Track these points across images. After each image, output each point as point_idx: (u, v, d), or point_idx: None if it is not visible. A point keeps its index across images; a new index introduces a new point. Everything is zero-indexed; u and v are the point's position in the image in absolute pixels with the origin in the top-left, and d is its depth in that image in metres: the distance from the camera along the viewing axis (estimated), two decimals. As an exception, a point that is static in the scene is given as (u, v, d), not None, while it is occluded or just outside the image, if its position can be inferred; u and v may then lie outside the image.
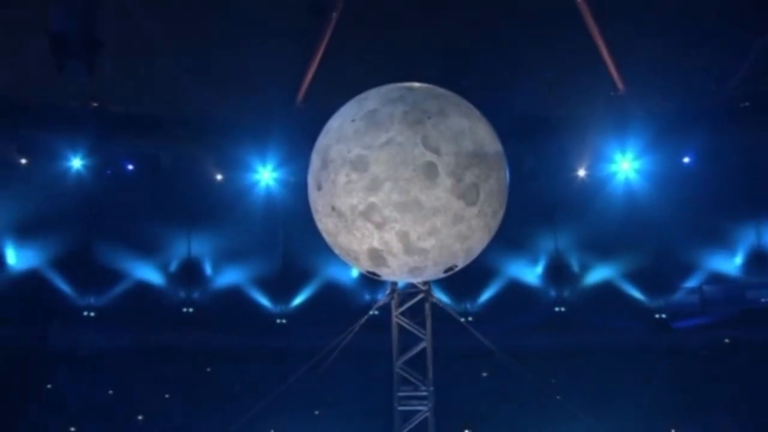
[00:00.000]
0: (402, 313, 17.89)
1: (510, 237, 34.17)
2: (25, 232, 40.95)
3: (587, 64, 32.39)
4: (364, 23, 29.68)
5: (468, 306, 39.54)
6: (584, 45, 31.39)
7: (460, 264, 16.33)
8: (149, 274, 43.13)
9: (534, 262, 42.43)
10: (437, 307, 18.35)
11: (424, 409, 17.80)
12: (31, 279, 41.72)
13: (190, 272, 43.33)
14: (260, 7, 30.26)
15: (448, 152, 15.15)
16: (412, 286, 18.10)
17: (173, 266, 43.30)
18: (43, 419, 38.69)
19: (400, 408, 17.83)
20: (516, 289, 42.10)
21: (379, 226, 15.30)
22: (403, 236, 15.37)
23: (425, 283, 17.27)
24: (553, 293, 42.53)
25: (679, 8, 30.17)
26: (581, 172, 39.35)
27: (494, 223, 16.13)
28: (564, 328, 41.32)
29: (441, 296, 18.41)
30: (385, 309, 19.15)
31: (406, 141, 15.01)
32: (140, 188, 40.62)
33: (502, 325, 36.11)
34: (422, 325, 17.85)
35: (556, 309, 42.28)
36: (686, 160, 39.04)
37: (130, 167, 40.47)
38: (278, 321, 43.37)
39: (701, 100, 36.70)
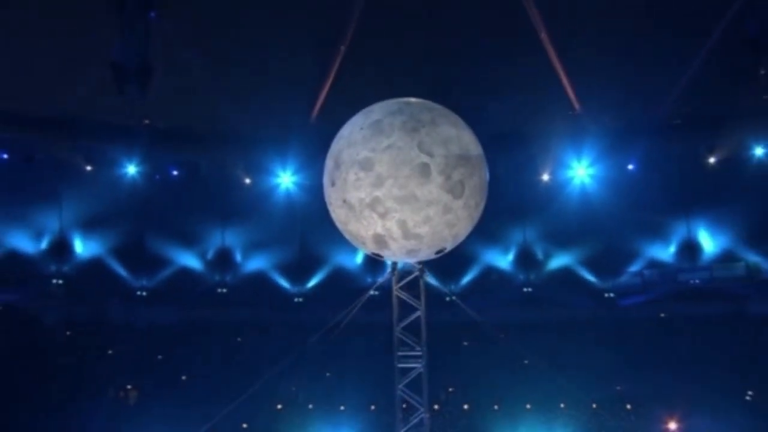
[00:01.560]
0: (401, 288, 17.93)
1: (486, 230, 34.18)
2: (89, 226, 41.23)
3: (550, 88, 32.57)
4: (369, 52, 29.77)
5: (452, 287, 39.70)
6: (548, 72, 31.56)
7: (449, 247, 16.39)
8: (190, 260, 43.24)
9: (506, 251, 42.59)
10: (428, 286, 18.39)
11: (418, 366, 17.83)
12: (94, 265, 41.97)
13: (223, 259, 43.47)
14: (281, 38, 30.43)
15: (439, 155, 15.21)
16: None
17: (210, 254, 43.45)
18: (106, 378, 38.81)
19: (400, 365, 17.88)
20: (491, 273, 42.45)
21: (382, 216, 15.34)
22: (402, 224, 15.42)
23: (420, 263, 17.31)
24: (521, 276, 42.74)
25: (625, 41, 30.35)
26: (545, 177, 39.50)
27: (476, 214, 16.17)
28: (531, 304, 41.64)
29: (431, 279, 18.32)
30: (386, 286, 19.17)
31: (405, 146, 15.07)
32: (183, 190, 40.88)
33: (480, 302, 36.09)
34: (417, 297, 17.89)
35: (524, 289, 42.50)
36: (630, 167, 39.21)
37: (175, 173, 40.77)
38: (296, 299, 43.61)
39: (642, 118, 36.96)
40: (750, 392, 37.32)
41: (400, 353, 17.97)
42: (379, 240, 15.90)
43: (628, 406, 36.91)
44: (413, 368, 17.95)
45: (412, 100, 16.17)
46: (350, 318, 20.11)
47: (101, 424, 33.99)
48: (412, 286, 17.94)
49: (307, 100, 33.55)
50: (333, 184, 15.94)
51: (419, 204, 15.25)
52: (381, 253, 16.40)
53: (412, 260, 17.05)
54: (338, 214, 16.30)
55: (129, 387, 39.10)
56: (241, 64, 32.69)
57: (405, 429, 18.09)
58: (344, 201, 15.82)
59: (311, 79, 32.73)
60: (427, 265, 17.82)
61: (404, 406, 18.37)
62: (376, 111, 15.89)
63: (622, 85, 33.01)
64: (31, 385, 36.93)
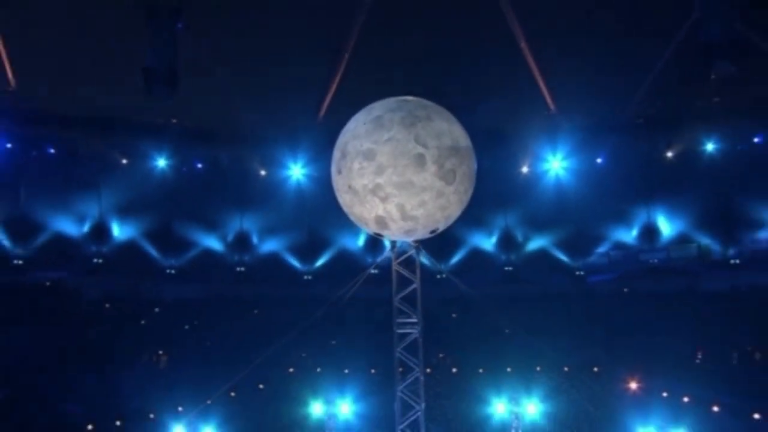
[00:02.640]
0: (399, 264, 17.84)
1: (473, 216, 34.33)
2: (125, 212, 41.36)
3: (528, 91, 32.58)
4: (369, 59, 29.69)
5: (443, 266, 39.66)
6: (527, 77, 31.57)
7: (441, 227, 16.33)
8: (213, 243, 43.24)
9: (490, 234, 42.59)
10: (422, 264, 18.29)
11: (414, 332, 17.77)
12: (129, 246, 42.09)
13: (241, 242, 43.48)
14: (292, 47, 30.34)
15: (433, 146, 15.14)
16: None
17: (230, 237, 43.43)
18: (140, 345, 38.81)
19: (398, 331, 17.80)
20: (477, 254, 42.40)
21: (383, 200, 15.29)
22: (401, 207, 15.37)
23: (416, 241, 17.21)
24: (503, 257, 42.78)
25: (594, 50, 30.27)
26: (524, 169, 39.52)
27: (466, 198, 16.11)
28: (511, 281, 41.70)
29: (424, 258, 18.23)
30: (385, 265, 19.13)
31: (403, 138, 15.01)
32: (206, 181, 41.01)
33: (467, 279, 36.02)
34: (413, 272, 17.81)
35: (506, 268, 42.55)
36: (599, 160, 39.27)
37: (199, 166, 40.84)
38: (305, 277, 43.61)
39: (610, 118, 36.98)
40: (700, 356, 37.41)
41: (398, 320, 17.92)
42: (380, 221, 15.86)
43: (595, 369, 36.93)
44: (410, 333, 17.91)
45: (409, 98, 16.09)
46: (353, 292, 20.06)
47: (136, 384, 34.01)
48: (409, 263, 17.86)
49: (315, 101, 33.54)
50: (339, 172, 15.89)
51: (415, 189, 15.21)
52: (382, 232, 16.35)
53: (409, 239, 16.98)
54: (344, 199, 16.25)
55: (160, 353, 39.11)
56: (257, 70, 32.64)
57: (402, 386, 18.02)
58: (349, 187, 15.77)
59: (318, 83, 32.70)
60: (422, 244, 17.73)
61: (401, 369, 18.27)
62: (378, 108, 15.83)
63: (592, 88, 32.98)
64: (75, 351, 36.98)
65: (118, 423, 32.47)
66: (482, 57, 30.02)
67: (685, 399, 33.27)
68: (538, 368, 34.82)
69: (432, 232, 16.42)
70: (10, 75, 32.49)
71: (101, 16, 29.85)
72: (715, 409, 32.94)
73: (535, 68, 31.00)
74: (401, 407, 18.24)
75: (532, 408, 25.73)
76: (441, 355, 39.49)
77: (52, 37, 30.85)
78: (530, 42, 29.61)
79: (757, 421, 32.71)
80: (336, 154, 16.14)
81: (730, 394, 33.73)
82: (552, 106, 34.11)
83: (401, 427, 18.24)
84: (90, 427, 33.43)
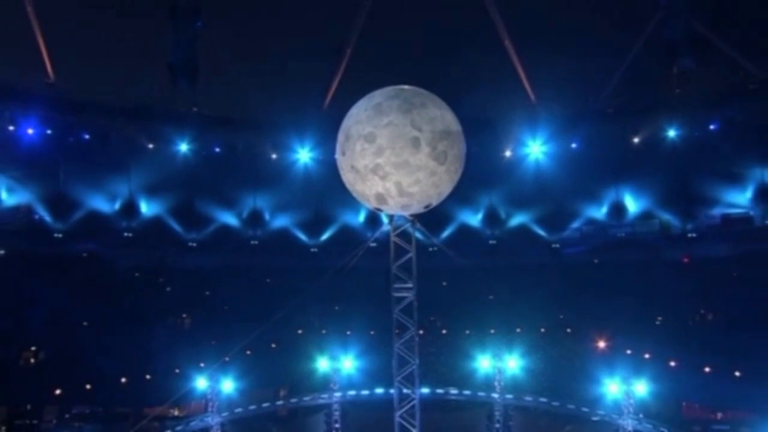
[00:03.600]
0: (396, 235, 17.77)
1: (461, 195, 34.12)
2: (152, 191, 41.12)
3: (511, 83, 32.62)
4: (370, 54, 29.61)
5: (435, 239, 39.55)
6: (509, 71, 31.57)
7: (434, 203, 16.19)
8: (229, 219, 43.01)
9: (476, 211, 42.38)
10: (417, 238, 18.22)
11: (409, 296, 17.73)
12: (155, 222, 41.85)
13: (255, 218, 43.21)
14: (300, 44, 30.24)
15: (427, 130, 14.99)
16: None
17: (244, 214, 43.13)
18: (165, 310, 38.90)
19: (395, 295, 17.76)
20: (464, 229, 42.14)
21: (382, 178, 15.16)
22: (398, 184, 15.24)
23: (412, 215, 17.12)
24: (488, 231, 42.53)
25: (569, 47, 30.21)
26: (507, 153, 39.29)
27: (456, 177, 15.95)
28: (495, 253, 41.37)
29: (418, 233, 18.14)
30: (382, 238, 19.08)
31: (400, 123, 14.85)
32: (224, 163, 40.67)
33: (456, 251, 36.03)
34: (409, 243, 17.74)
35: (490, 242, 42.29)
36: (574, 145, 39.03)
37: (217, 150, 40.54)
38: (312, 249, 43.28)
39: (584, 108, 36.96)
40: (659, 318, 37.57)
41: (395, 286, 17.86)
42: (380, 197, 15.73)
43: (568, 330, 37.14)
44: (406, 297, 17.86)
45: (406, 87, 15.92)
46: (354, 262, 20.02)
47: (163, 343, 34.07)
48: (405, 235, 17.77)
49: (320, 92, 33.51)
50: (343, 153, 15.75)
51: (411, 169, 15.07)
52: (381, 207, 16.22)
53: (405, 213, 16.89)
54: (347, 177, 16.11)
55: (184, 315, 39.31)
56: (269, 64, 32.64)
57: (399, 343, 18.01)
58: (352, 167, 15.63)
59: (323, 76, 32.68)
60: (417, 218, 17.65)
61: (397, 331, 18.25)
62: (377, 96, 15.66)
63: (568, 81, 33.04)
64: (109, 315, 37.03)
65: (148, 377, 32.61)
66: (471, 53, 30.11)
67: (646, 355, 33.46)
68: (518, 329, 34.96)
69: (426, 207, 16.32)
70: (49, 69, 32.51)
71: (129, 16, 29.85)
72: (672, 363, 33.21)
73: (518, 63, 31.17)
74: (398, 362, 18.27)
75: (513, 363, 25.85)
76: (432, 319, 39.62)
77: (86, 36, 30.81)
78: (513, 40, 29.67)
79: (708, 373, 33.08)
80: (340, 137, 16.02)
81: (686, 351, 33.95)
82: (532, 97, 34.40)
83: (398, 379, 18.26)
84: (123, 380, 33.61)
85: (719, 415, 31.88)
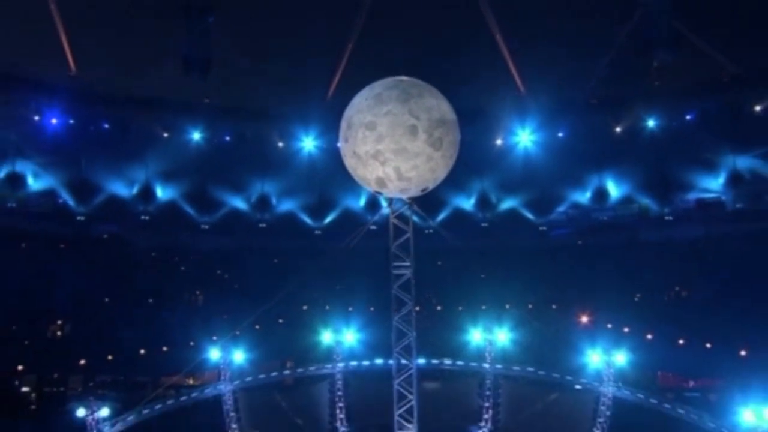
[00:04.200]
0: (395, 217, 17.70)
1: (455, 181, 34.05)
2: (167, 177, 41.03)
3: (502, 76, 32.46)
4: (370, 48, 29.46)
5: (430, 222, 39.47)
6: (501, 64, 31.44)
7: (431, 186, 16.12)
8: (238, 203, 42.83)
9: (469, 196, 42.17)
10: (413, 220, 18.16)
11: (407, 273, 17.71)
12: (170, 206, 41.69)
13: (263, 202, 42.98)
14: (305, 39, 30.07)
15: (424, 119, 14.90)
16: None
17: (253, 198, 42.89)
18: (180, 287, 38.97)
19: (394, 272, 17.74)
20: (458, 213, 41.92)
21: (382, 163, 15.09)
22: (397, 169, 15.17)
23: (409, 198, 17.05)
24: (480, 215, 42.30)
25: (557, 43, 30.02)
26: (498, 141, 39.10)
27: (451, 162, 15.87)
28: (486, 235, 41.14)
29: (415, 216, 18.07)
30: (381, 221, 19.05)
31: (399, 112, 14.77)
32: (234, 151, 40.33)
33: (450, 233, 36.01)
34: (407, 224, 17.68)
35: (482, 224, 42.06)
36: (560, 134, 38.86)
37: (228, 138, 40.26)
38: (316, 231, 43.10)
39: (569, 99, 36.70)
40: (638, 295, 37.63)
41: (394, 263, 17.82)
42: (380, 181, 15.67)
43: (554, 306, 37.24)
44: (404, 274, 17.83)
45: (404, 78, 15.81)
46: (355, 243, 19.97)
47: (178, 318, 34.18)
48: (403, 217, 17.72)
49: (324, 84, 33.29)
50: (346, 140, 15.66)
51: (409, 155, 15.01)
52: (381, 191, 16.16)
53: (403, 196, 16.81)
54: (350, 163, 16.03)
55: (197, 292, 39.35)
56: (275, 59, 32.36)
57: (398, 317, 18.03)
58: (354, 153, 15.56)
59: (327, 69, 32.47)
60: (414, 201, 17.56)
61: (395, 309, 18.20)
62: (378, 86, 15.56)
63: (555, 74, 32.86)
64: (129, 292, 37.15)
65: (164, 348, 32.71)
66: (465, 47, 29.88)
67: (625, 329, 33.60)
68: (507, 305, 34.94)
69: (423, 190, 16.24)
70: (71, 63, 32.33)
71: (146, 14, 29.68)
72: (649, 336, 33.37)
73: (508, 58, 30.93)
74: (396, 335, 18.27)
75: (503, 336, 25.85)
76: (428, 296, 39.62)
77: (105, 32, 30.68)
78: (504, 35, 29.49)
79: (681, 345, 33.27)
80: (343, 125, 15.93)
81: (661, 324, 34.10)
82: (522, 89, 34.08)
83: (397, 350, 18.28)
84: (142, 351, 33.72)
85: (691, 383, 32.16)
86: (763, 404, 16.87)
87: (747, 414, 16.95)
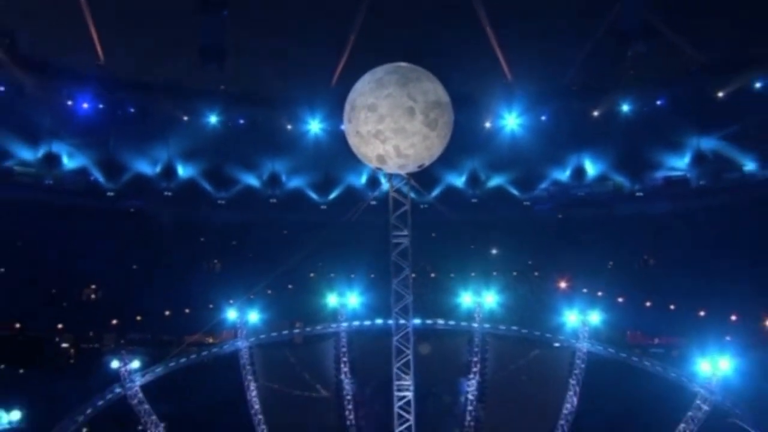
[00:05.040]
0: (395, 191, 17.62)
1: (448, 160, 33.93)
2: (187, 157, 40.73)
3: (491, 64, 32.29)
4: (371, 39, 29.25)
5: (426, 196, 39.42)
6: (490, 53, 31.25)
7: (426, 163, 15.95)
8: (252, 180, 42.59)
9: (461, 174, 41.92)
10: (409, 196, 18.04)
11: (405, 242, 17.66)
12: (190, 183, 41.51)
13: (273, 180, 42.64)
14: (313, 31, 29.85)
15: (421, 101, 14.70)
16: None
17: (264, 176, 42.59)
18: (199, 256, 39.06)
19: (393, 241, 17.69)
20: (450, 190, 41.64)
21: (383, 142, 14.91)
22: (396, 147, 14.99)
23: (407, 174, 16.95)
24: (470, 191, 42.07)
25: (541, 33, 29.86)
26: (487, 124, 38.89)
27: (445, 141, 15.71)
28: (476, 210, 40.90)
29: (412, 194, 17.97)
30: (381, 197, 19.02)
31: (398, 94, 14.55)
32: (247, 133, 40.11)
33: (444, 207, 36.05)
34: (405, 197, 17.62)
35: (472, 200, 41.83)
36: (543, 118, 38.67)
37: (241, 121, 40.08)
38: (322, 206, 42.89)
39: (552, 86, 36.58)
40: (611, 263, 37.70)
41: (393, 233, 17.77)
42: (380, 158, 15.50)
43: (536, 273, 37.30)
44: (402, 243, 17.78)
45: (403, 64, 15.61)
46: (357, 217, 19.91)
47: (198, 284, 34.21)
48: (402, 191, 17.63)
49: (328, 72, 33.05)
50: (350, 121, 15.47)
51: (407, 134, 14.83)
52: (382, 167, 16.02)
53: (402, 172, 16.73)
54: (353, 141, 15.87)
55: (215, 261, 39.36)
56: (285, 49, 32.08)
57: (396, 281, 18.03)
58: (357, 132, 15.38)
59: (332, 59, 32.22)
60: (412, 177, 17.45)
61: (393, 274, 18.20)
62: (379, 71, 15.33)
63: (540, 62, 32.76)
64: (154, 260, 37.20)
65: (187, 310, 32.82)
66: (457, 37, 29.65)
67: (599, 293, 33.70)
68: (494, 272, 35.05)
69: (419, 166, 16.09)
70: (100, 53, 32.14)
71: (167, 8, 29.50)
72: (620, 299, 33.51)
73: (497, 47, 30.69)
74: (395, 297, 18.30)
75: (490, 299, 25.93)
76: (423, 264, 39.50)
77: (130, 23, 30.40)
78: (493, 27, 29.28)
79: (648, 307, 33.49)
80: (347, 107, 15.75)
81: (631, 289, 34.27)
82: (509, 77, 33.92)
83: (395, 311, 18.33)
84: (167, 313, 33.88)
85: (656, 340, 32.45)
86: (717, 356, 17.05)
87: (704, 365, 17.15)
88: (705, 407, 16.96)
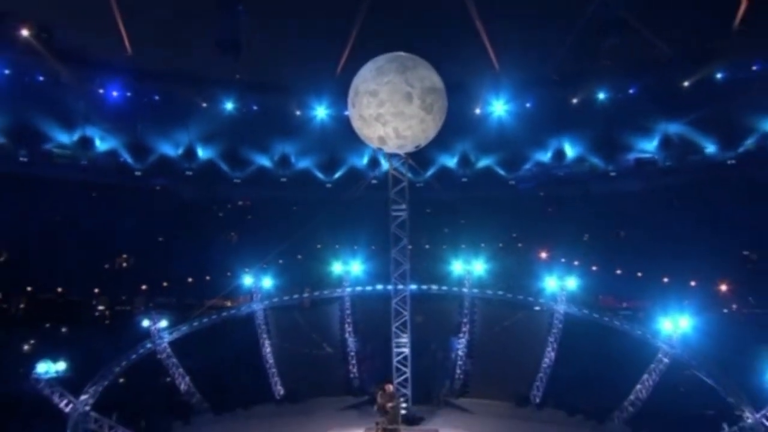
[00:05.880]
0: (394, 169, 17.65)
1: (441, 143, 33.82)
2: (206, 140, 40.84)
3: (480, 55, 32.11)
4: (372, 32, 29.00)
5: (421, 174, 39.22)
6: (480, 45, 31.03)
7: (422, 144, 16.10)
8: (265, 161, 42.57)
9: (453, 156, 41.84)
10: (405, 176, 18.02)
11: (403, 215, 17.78)
12: (209, 163, 41.58)
13: (284, 161, 42.64)
14: (319, 25, 29.65)
15: (418, 87, 14.85)
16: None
17: (275, 158, 42.55)
18: (218, 229, 39.04)
19: (393, 214, 17.81)
20: (444, 171, 41.62)
21: (383, 124, 15.11)
22: (395, 129, 15.17)
23: (406, 153, 17.00)
24: (461, 171, 42.09)
25: (526, 27, 29.64)
26: (477, 110, 38.73)
27: (440, 124, 15.81)
28: (466, 188, 40.85)
29: (409, 174, 18.00)
30: (381, 176, 19.06)
31: (397, 81, 14.74)
32: (259, 119, 39.98)
33: (437, 186, 36.00)
34: (403, 175, 17.66)
35: (463, 179, 41.88)
36: (528, 105, 38.54)
37: (255, 108, 39.94)
38: (327, 185, 42.84)
39: (536, 75, 36.17)
40: (586, 235, 37.75)
41: (393, 207, 17.86)
42: (381, 139, 15.67)
43: (519, 244, 37.33)
44: (400, 216, 17.89)
45: (401, 54, 15.62)
46: (359, 194, 19.94)
47: (217, 253, 34.20)
48: (400, 170, 17.66)
49: (333, 62, 32.76)
50: (353, 105, 15.61)
51: (405, 117, 15.01)
52: (382, 147, 16.12)
53: (400, 152, 16.76)
54: (356, 124, 15.98)
55: (232, 233, 39.32)
56: (295, 41, 31.84)
57: (395, 250, 18.16)
58: (360, 115, 15.53)
59: (336, 50, 31.92)
60: (411, 156, 17.40)
61: (393, 244, 18.26)
62: (380, 60, 15.48)
63: (524, 54, 32.53)
64: (177, 232, 37.27)
65: (207, 277, 32.93)
66: (450, 29, 29.43)
67: (576, 262, 33.75)
68: (482, 244, 34.97)
69: (416, 147, 16.25)
70: (127, 45, 31.92)
71: (189, 4, 29.31)
72: (594, 268, 33.62)
73: (486, 40, 30.42)
74: (394, 265, 18.46)
75: (479, 267, 26.04)
76: (418, 237, 39.50)
77: (153, 18, 30.15)
78: (483, 21, 29.08)
79: (619, 275, 33.66)
80: (351, 93, 15.83)
81: (604, 258, 34.35)
82: (497, 67, 33.70)
83: (394, 276, 18.51)
84: (190, 279, 33.97)
85: (624, 304, 32.64)
86: (677, 316, 17.31)
87: (666, 324, 17.40)
88: (666, 360, 17.22)
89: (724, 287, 31.73)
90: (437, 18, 28.69)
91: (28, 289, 32.28)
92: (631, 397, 17.72)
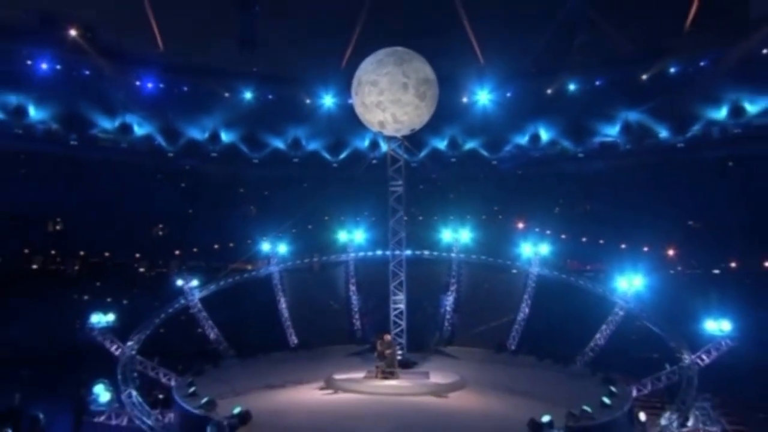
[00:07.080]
0: (392, 150, 17.50)
1: (433, 128, 33.30)
2: (228, 125, 40.33)
3: (466, 49, 31.91)
4: (373, 29, 28.63)
5: (415, 157, 38.92)
6: (466, 40, 30.74)
7: (417, 128, 16.02)
8: (279, 144, 41.98)
9: (443, 139, 41.32)
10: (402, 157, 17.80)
11: (400, 190, 17.70)
12: (231, 146, 41.04)
13: (296, 143, 42.06)
14: (326, 21, 29.23)
15: (413, 78, 14.73)
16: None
17: (288, 141, 41.96)
18: (239, 202, 38.91)
19: (391, 189, 17.73)
20: (435, 152, 40.97)
21: (383, 110, 15.01)
22: (393, 115, 15.07)
23: (402, 136, 16.84)
24: (450, 152, 41.64)
25: (508, 25, 29.26)
26: (464, 99, 38.33)
27: (432, 110, 15.70)
28: (454, 167, 40.57)
29: (405, 155, 17.86)
30: (381, 157, 18.93)
31: (395, 72, 14.60)
32: (275, 106, 39.70)
33: (429, 166, 35.81)
34: (400, 155, 17.52)
35: (452, 160, 41.46)
36: (508, 94, 38.15)
37: (270, 97, 39.59)
38: (333, 164, 42.29)
39: (515, 68, 35.93)
40: (557, 209, 37.71)
41: (391, 183, 17.78)
42: (381, 124, 15.59)
43: (500, 217, 37.34)
44: (397, 191, 17.81)
45: (399, 48, 15.42)
46: (361, 172, 19.85)
47: (238, 224, 34.26)
48: (397, 151, 17.51)
49: (339, 55, 32.45)
50: (356, 94, 15.46)
51: (402, 104, 14.91)
52: (382, 130, 16.03)
53: (398, 134, 16.62)
54: (359, 110, 15.86)
55: (251, 207, 39.20)
56: (305, 39, 31.45)
57: (393, 220, 18.14)
58: (362, 103, 15.41)
59: (341, 44, 31.62)
60: (405, 139, 17.22)
61: (391, 215, 18.17)
62: (380, 53, 15.31)
63: (505, 49, 32.21)
64: (205, 205, 37.32)
65: (231, 244, 33.02)
66: (441, 28, 29.09)
67: (548, 231, 33.73)
68: (468, 217, 34.92)
69: (412, 130, 16.16)
70: (160, 42, 31.72)
71: (212, 4, 28.81)
72: (563, 236, 33.66)
73: (472, 35, 30.14)
74: (392, 233, 18.46)
75: (465, 235, 26.14)
76: (412, 210, 38.94)
77: (181, 17, 29.71)
78: (469, 19, 28.75)
79: (584, 242, 33.87)
80: (354, 82, 15.68)
81: (572, 228, 34.44)
82: (481, 60, 33.59)
83: (392, 243, 18.54)
84: (216, 246, 34.08)
85: (588, 267, 32.89)
86: (632, 276, 17.58)
87: (622, 282, 17.70)
88: (621, 313, 17.62)
89: (671, 251, 32.20)
90: (430, 18, 28.35)
91: (81, 253, 32.92)
92: (591, 344, 18.04)
